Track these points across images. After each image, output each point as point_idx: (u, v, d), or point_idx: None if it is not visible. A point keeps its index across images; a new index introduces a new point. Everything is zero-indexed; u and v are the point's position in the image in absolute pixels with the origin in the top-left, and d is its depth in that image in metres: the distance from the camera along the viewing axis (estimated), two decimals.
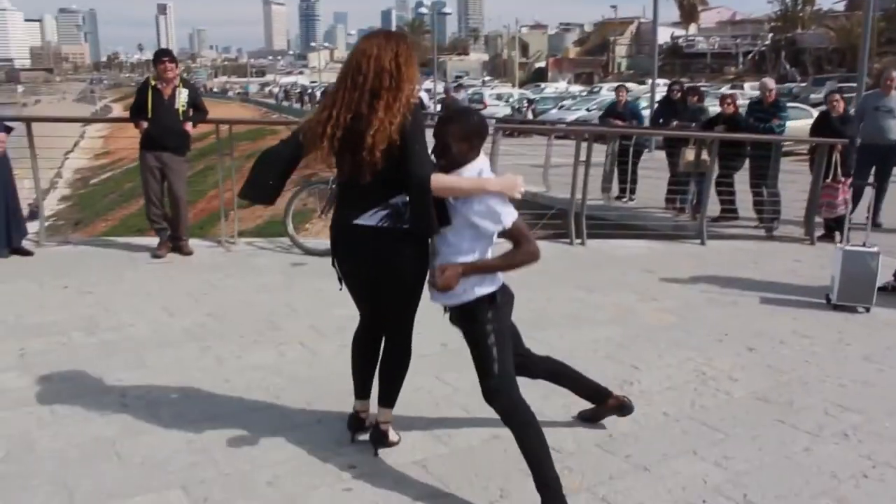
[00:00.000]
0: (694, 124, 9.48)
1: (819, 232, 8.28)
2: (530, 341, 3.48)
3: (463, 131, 2.88)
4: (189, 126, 6.71)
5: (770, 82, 9.41)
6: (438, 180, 2.85)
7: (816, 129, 8.70)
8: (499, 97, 31.08)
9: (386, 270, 3.01)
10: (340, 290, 3.29)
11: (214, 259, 6.85)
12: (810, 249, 8.00)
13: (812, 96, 28.98)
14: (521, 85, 52.95)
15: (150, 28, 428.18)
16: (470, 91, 29.60)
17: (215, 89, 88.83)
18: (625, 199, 10.47)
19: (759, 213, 8.82)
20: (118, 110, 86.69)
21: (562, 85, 47.32)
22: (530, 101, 28.01)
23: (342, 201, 3.11)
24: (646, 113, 13.17)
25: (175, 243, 6.87)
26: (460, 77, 67.28)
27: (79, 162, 37.96)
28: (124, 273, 6.25)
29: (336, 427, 3.55)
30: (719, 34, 61.19)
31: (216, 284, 6.01)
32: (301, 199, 7.65)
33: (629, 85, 17.11)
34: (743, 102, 11.04)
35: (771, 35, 55.04)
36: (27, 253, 6.68)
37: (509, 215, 2.85)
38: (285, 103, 51.23)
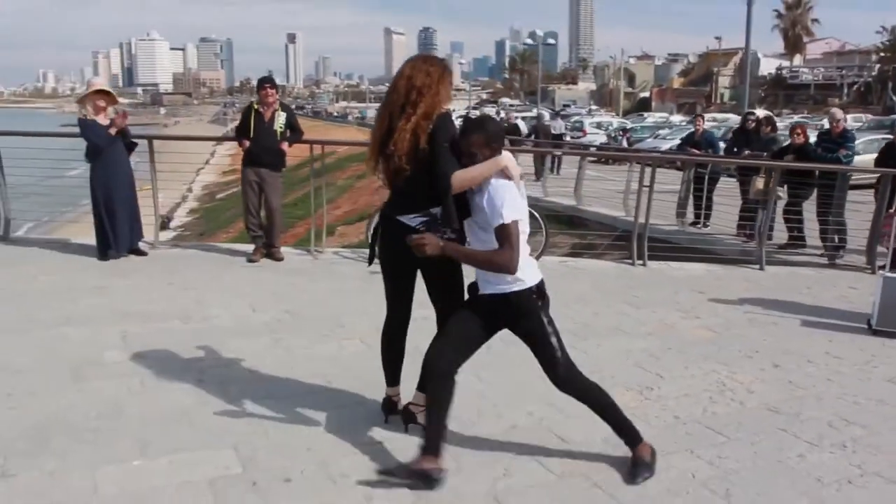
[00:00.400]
0: (765, 154, 9.56)
1: (882, 261, 8.14)
2: (575, 350, 3.87)
3: (484, 138, 3.25)
4: (285, 145, 7.47)
5: (838, 113, 9.40)
6: (457, 175, 3.24)
7: (881, 159, 8.63)
8: (598, 125, 31.64)
9: (420, 261, 3.39)
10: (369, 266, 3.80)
11: (302, 265, 7.58)
12: (868, 278, 7.90)
13: None
14: (625, 114, 52.72)
15: (281, 56, 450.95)
16: (573, 119, 30.10)
17: (335, 113, 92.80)
18: (699, 225, 10.55)
19: (824, 242, 8.79)
20: None
21: (665, 115, 46.88)
22: (625, 130, 28.24)
23: (390, 202, 3.58)
24: (723, 144, 13.23)
25: (268, 250, 7.64)
26: (567, 106, 67.47)
27: (208, 178, 40.99)
28: (221, 274, 7.06)
29: (375, 410, 4.06)
30: (824, 65, 59.09)
31: (298, 286, 6.71)
32: None
33: (730, 115, 17.09)
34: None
35: (878, 66, 52.52)
36: (142, 253, 7.63)
37: (508, 216, 3.12)
38: None
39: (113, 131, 7.16)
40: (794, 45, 63.36)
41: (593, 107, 69.15)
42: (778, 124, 10.96)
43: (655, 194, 11.63)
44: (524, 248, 3.27)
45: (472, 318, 3.41)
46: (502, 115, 33.32)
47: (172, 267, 7.23)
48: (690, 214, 10.76)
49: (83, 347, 4.98)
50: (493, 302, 3.34)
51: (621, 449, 3.61)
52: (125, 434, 3.76)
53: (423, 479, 3.24)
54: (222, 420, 3.95)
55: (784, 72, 60.10)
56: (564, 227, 13.08)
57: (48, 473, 3.37)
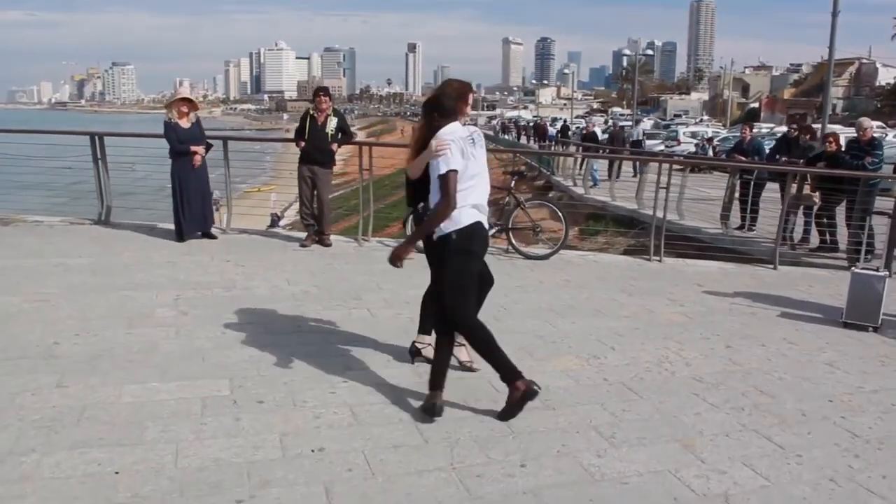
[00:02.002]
0: (801, 161, 9.74)
1: None
2: (548, 325, 4.66)
3: (427, 107, 4.21)
4: (335, 146, 8.46)
5: (866, 121, 9.48)
6: (412, 164, 4.26)
7: None
8: (693, 135, 31.24)
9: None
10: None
11: (346, 250, 8.53)
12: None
13: None
14: (733, 125, 51.34)
15: (401, 64, 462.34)
16: (670, 129, 30.24)
17: None
18: (744, 229, 10.78)
19: (848, 246, 8.92)
20: (362, 137, 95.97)
21: (771, 125, 45.42)
22: (710, 139, 27.96)
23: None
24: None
25: (319, 237, 8.64)
26: (678, 116, 66.26)
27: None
28: (272, 255, 8.11)
29: (353, 360, 4.90)
30: None
31: (335, 268, 7.65)
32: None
33: (836, 127, 17.03)
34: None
35: None
36: (213, 237, 8.81)
37: (443, 168, 3.96)
38: (502, 135, 53.95)
39: (197, 161, 8.43)
40: None
41: (704, 117, 67.65)
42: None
43: (702, 201, 12.02)
44: (466, 199, 4.05)
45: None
46: (609, 122, 33.77)
47: (234, 248, 8.35)
48: (736, 220, 11.02)
49: (142, 305, 6.09)
50: (433, 246, 4.25)
51: (538, 399, 4.28)
52: (152, 365, 4.77)
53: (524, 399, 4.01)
54: (227, 358, 4.90)
55: None
56: (624, 228, 13.56)
57: (90, 387, 4.40)
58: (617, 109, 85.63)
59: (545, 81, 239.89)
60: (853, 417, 4.23)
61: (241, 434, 3.84)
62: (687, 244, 9.47)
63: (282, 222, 31.21)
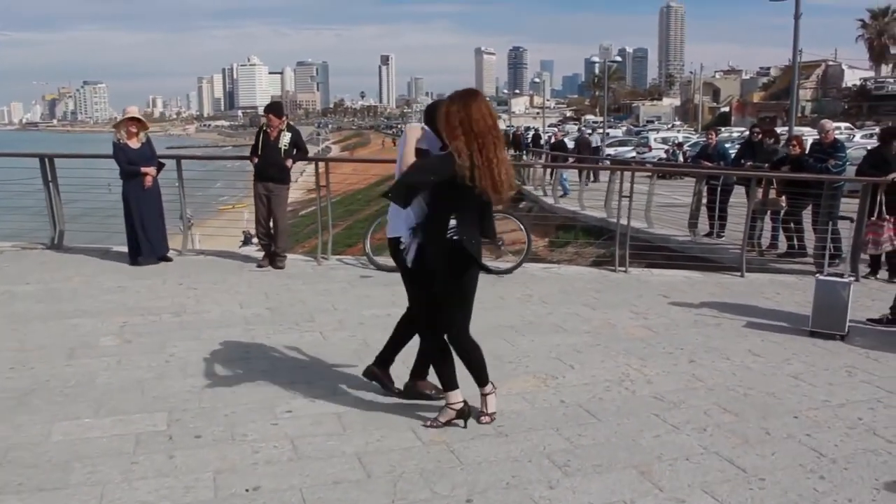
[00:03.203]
0: (766, 165, 9.67)
1: (867, 270, 8.15)
2: (507, 344, 4.62)
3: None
4: (289, 162, 8.23)
5: (828, 123, 9.42)
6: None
7: (866, 167, 8.58)
8: (664, 140, 31.41)
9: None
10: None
11: (303, 270, 8.29)
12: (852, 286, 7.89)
13: None
14: (704, 129, 51.92)
15: (374, 77, 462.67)
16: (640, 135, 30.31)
17: None
18: (713, 236, 10.69)
19: (815, 251, 8.84)
20: (336, 150, 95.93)
21: (742, 129, 45.98)
22: (679, 145, 28.08)
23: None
24: None
25: (273, 257, 8.39)
26: (651, 122, 66.80)
27: (294, 195, 43.04)
28: (228, 277, 7.86)
29: (298, 387, 4.67)
30: None
31: (291, 288, 7.41)
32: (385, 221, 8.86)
33: (805, 129, 17.09)
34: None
35: None
36: (168, 259, 8.53)
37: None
38: None
39: (149, 182, 8.20)
40: (879, 55, 61.01)
41: (676, 122, 68.20)
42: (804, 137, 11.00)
43: (670, 208, 11.93)
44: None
45: None
46: (578, 131, 33.94)
47: (189, 271, 8.08)
48: (704, 226, 10.93)
49: (85, 334, 5.82)
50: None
51: (492, 426, 4.10)
52: (88, 399, 4.51)
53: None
54: (168, 389, 4.66)
55: (869, 83, 57.68)
56: (594, 238, 13.44)
57: (17, 426, 4.13)
58: (590, 117, 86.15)
59: (517, 91, 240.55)
60: (819, 434, 4.07)
61: (173, 473, 3.60)
62: (655, 253, 9.37)
63: (254, 240, 31.03)
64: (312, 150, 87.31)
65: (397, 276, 8.20)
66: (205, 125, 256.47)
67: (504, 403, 4.41)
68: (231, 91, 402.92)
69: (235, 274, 8.03)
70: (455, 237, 3.86)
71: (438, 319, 4.07)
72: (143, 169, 8.20)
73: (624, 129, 57.84)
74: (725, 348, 5.57)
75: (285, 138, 8.19)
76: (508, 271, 8.10)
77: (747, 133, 11.27)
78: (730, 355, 5.41)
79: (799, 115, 59.41)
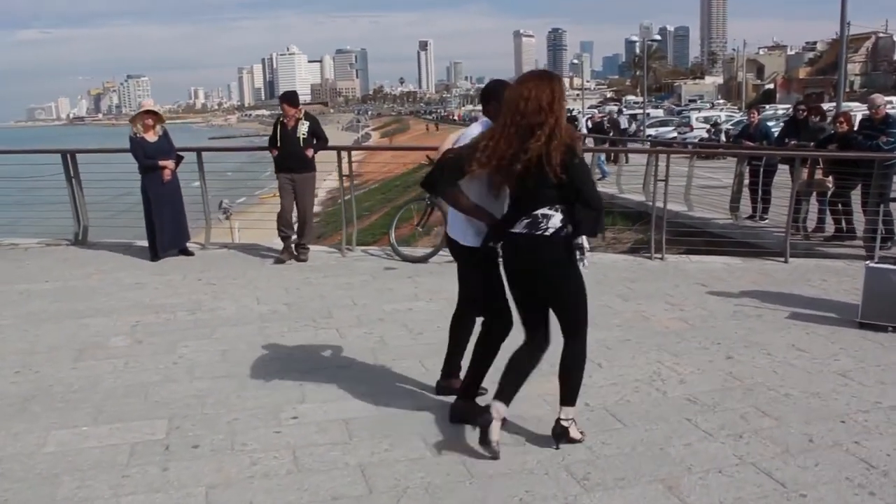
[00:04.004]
0: (812, 143, 9.11)
1: None
2: None
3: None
4: (310, 151, 7.98)
5: (879, 98, 8.79)
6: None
7: None
8: (706, 120, 30.41)
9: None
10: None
11: (326, 262, 8.05)
12: None
13: None
14: (749, 107, 50.34)
15: (413, 63, 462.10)
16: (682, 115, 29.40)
17: (454, 117, 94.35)
18: (756, 219, 10.17)
19: (865, 233, 8.27)
20: (376, 137, 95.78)
21: (788, 106, 44.45)
22: (716, 124, 27.12)
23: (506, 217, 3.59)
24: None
25: (297, 249, 8.16)
26: (693, 101, 65.15)
27: (333, 184, 43.17)
28: (248, 271, 7.66)
29: (307, 391, 4.44)
30: None
31: (311, 282, 7.18)
32: (410, 210, 8.57)
33: (854, 104, 16.25)
34: None
35: None
36: (190, 253, 8.39)
37: None
38: None
39: (167, 175, 8.04)
40: None
41: (719, 101, 66.48)
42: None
43: (712, 189, 11.40)
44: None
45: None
46: (611, 111, 33.19)
47: (209, 266, 7.91)
48: (747, 209, 10.42)
49: (96, 334, 5.67)
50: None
51: (511, 428, 3.79)
52: (89, 405, 4.33)
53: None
54: (173, 394, 4.46)
55: None
56: (632, 223, 12.98)
57: (13, 434, 3.98)
58: (631, 97, 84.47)
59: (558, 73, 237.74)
60: (868, 442, 3.68)
61: (164, 488, 3.39)
62: (695, 238, 8.91)
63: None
64: (352, 137, 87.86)
65: (421, 267, 7.98)
66: (246, 115, 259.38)
67: (525, 408, 4.11)
68: (271, 80, 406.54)
69: (256, 268, 7.84)
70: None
71: (571, 325, 3.65)
72: (161, 162, 8.03)
73: (665, 108, 56.45)
74: (766, 342, 5.17)
75: (303, 128, 7.94)
76: (423, 259, 7.79)
77: (791, 111, 10.65)
78: (771, 350, 5.00)
79: (847, 90, 57.27)
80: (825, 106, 13.90)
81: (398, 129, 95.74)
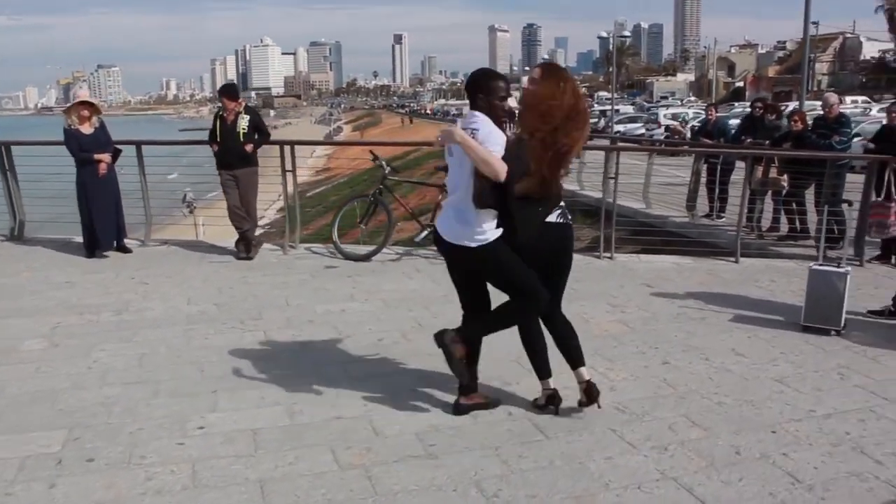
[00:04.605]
0: (767, 142, 9.04)
1: (875, 253, 7.54)
2: None
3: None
4: (249, 147, 7.70)
5: (832, 97, 8.74)
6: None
7: (877, 143, 7.92)
8: (674, 117, 30.47)
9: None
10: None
11: (267, 260, 7.79)
12: (856, 271, 7.25)
13: None
14: (719, 104, 50.76)
15: (387, 56, 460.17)
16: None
17: (428, 111, 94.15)
18: (713, 217, 10.09)
19: (818, 233, 8.19)
20: (347, 131, 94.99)
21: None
22: (684, 121, 27.19)
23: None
24: None
25: (246, 246, 7.88)
26: (665, 97, 65.57)
27: (302, 178, 42.69)
28: (186, 269, 7.38)
29: (221, 400, 4.21)
30: None
31: (248, 281, 6.93)
32: (354, 208, 8.28)
33: (819, 103, 16.17)
34: None
35: None
36: (127, 250, 8.08)
37: None
38: None
39: (103, 169, 7.69)
40: None
41: (691, 98, 66.96)
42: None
43: (673, 186, 11.30)
44: None
45: None
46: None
47: (146, 263, 7.62)
48: (703, 207, 10.33)
49: (11, 337, 5.37)
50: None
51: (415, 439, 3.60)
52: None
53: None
54: (80, 402, 4.21)
55: (888, 55, 56.08)
56: (591, 219, 12.84)
57: None
58: (603, 94, 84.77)
59: (528, 68, 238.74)
60: (797, 454, 3.54)
61: None
62: (652, 238, 8.79)
63: (261, 222, 30.57)
64: (324, 131, 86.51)
65: (363, 266, 7.70)
66: (218, 106, 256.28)
67: (442, 418, 3.93)
68: (244, 73, 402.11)
69: (195, 266, 7.56)
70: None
71: (555, 296, 3.90)
72: (97, 156, 7.71)
73: (636, 105, 56.70)
74: (706, 347, 5.03)
75: (243, 122, 7.67)
76: (366, 257, 7.60)
77: (749, 108, 10.60)
78: (710, 355, 4.87)
79: (815, 89, 58.30)
80: (792, 104, 13.90)
81: (370, 123, 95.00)
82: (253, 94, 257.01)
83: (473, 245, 3.63)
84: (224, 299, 6.30)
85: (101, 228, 7.80)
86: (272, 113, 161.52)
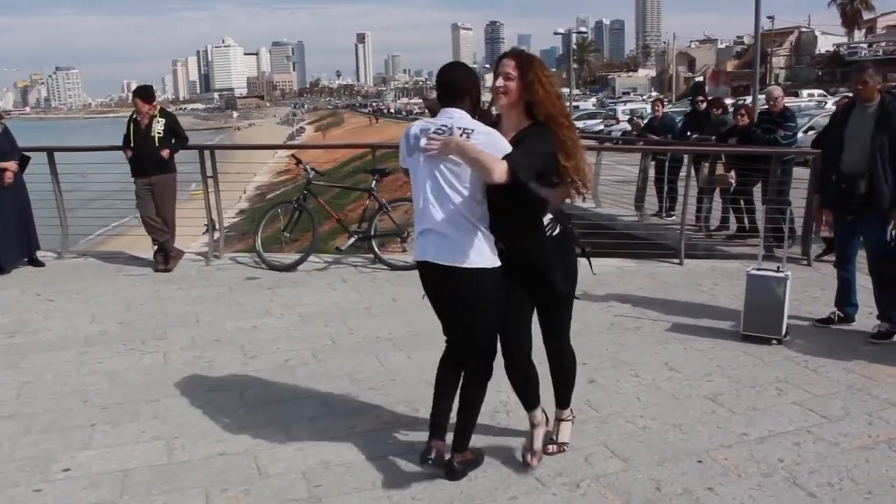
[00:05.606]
0: (713, 137, 8.78)
1: (821, 250, 7.33)
2: (375, 363, 4.41)
3: None
4: (165, 152, 7.22)
5: (776, 91, 8.49)
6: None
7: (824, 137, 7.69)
8: (631, 112, 30.29)
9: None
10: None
11: (186, 272, 7.29)
12: (802, 271, 7.05)
13: None
14: (679, 99, 51.09)
15: (350, 55, 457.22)
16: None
17: (391, 110, 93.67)
18: (662, 216, 9.83)
19: (764, 231, 7.93)
20: (310, 131, 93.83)
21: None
22: (641, 117, 27.13)
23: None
24: None
25: (164, 258, 7.39)
26: (627, 93, 65.90)
27: (263, 179, 41.89)
28: (98, 284, 6.88)
29: (98, 428, 3.78)
30: (887, 39, 55.38)
31: (160, 295, 6.46)
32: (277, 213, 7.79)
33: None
34: None
35: None
36: (40, 264, 7.54)
37: None
38: None
39: (9, 178, 7.16)
40: (852, 20, 60.25)
41: (652, 93, 67.41)
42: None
43: (626, 184, 11.02)
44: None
45: None
46: None
47: (57, 278, 7.10)
48: (652, 206, 10.06)
49: None
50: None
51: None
52: None
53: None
54: None
55: (842, 49, 56.89)
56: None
57: None
58: (565, 90, 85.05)
59: (488, 66, 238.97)
60: (724, 487, 3.20)
61: None
62: (602, 238, 8.47)
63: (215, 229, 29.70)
64: (287, 132, 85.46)
65: (285, 277, 7.24)
66: (180, 109, 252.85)
67: (335, 452, 3.54)
68: (206, 74, 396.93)
69: (108, 279, 7.06)
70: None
71: (556, 326, 3.62)
72: (1, 164, 7.17)
73: (594, 101, 56.86)
74: (637, 361, 4.69)
75: (158, 125, 7.19)
76: (291, 267, 7.19)
77: (690, 103, 10.36)
78: (640, 371, 4.53)
79: (772, 83, 59.14)
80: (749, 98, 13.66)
81: (333, 124, 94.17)
82: (216, 95, 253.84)
83: (470, 266, 3.06)
84: (131, 316, 5.83)
85: (10, 241, 7.25)
86: (235, 114, 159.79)
